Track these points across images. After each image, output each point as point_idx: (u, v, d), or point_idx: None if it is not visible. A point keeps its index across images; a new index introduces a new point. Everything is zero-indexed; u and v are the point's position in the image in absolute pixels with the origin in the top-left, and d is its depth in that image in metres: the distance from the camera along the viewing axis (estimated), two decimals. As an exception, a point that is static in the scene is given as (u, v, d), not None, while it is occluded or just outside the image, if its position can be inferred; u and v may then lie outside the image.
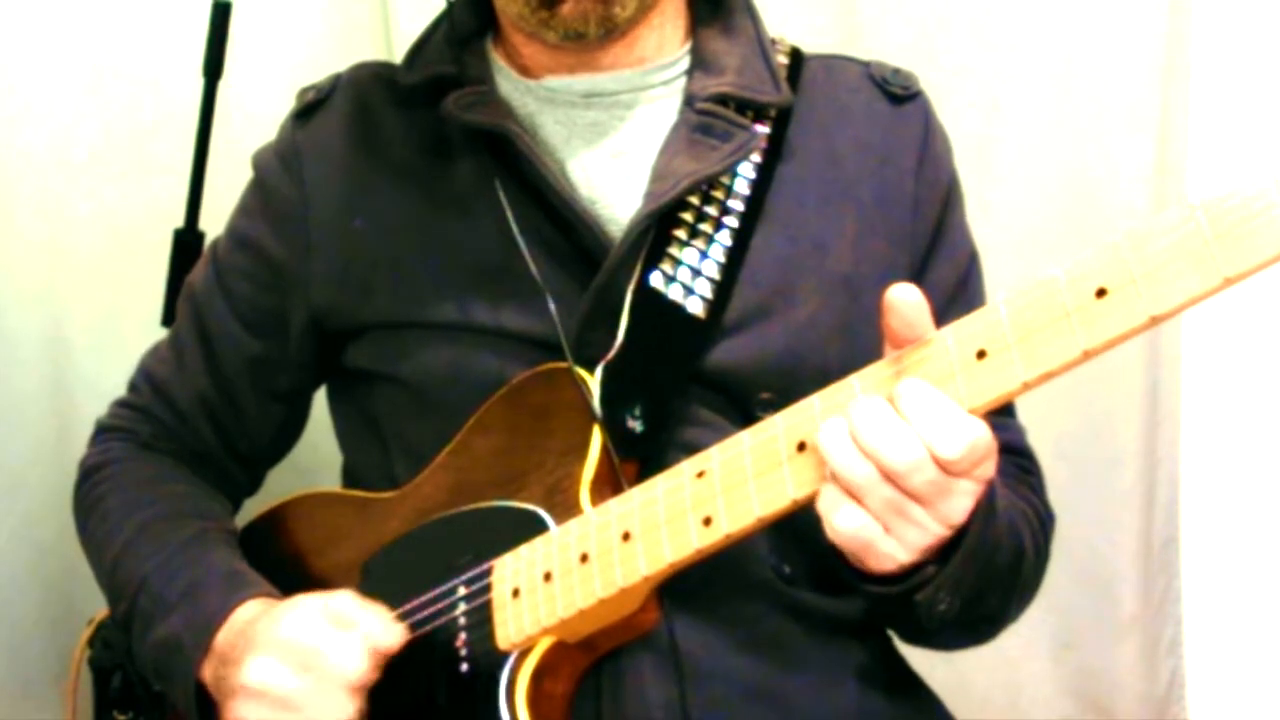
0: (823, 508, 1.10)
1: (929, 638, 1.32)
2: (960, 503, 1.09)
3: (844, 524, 1.09)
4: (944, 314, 1.09)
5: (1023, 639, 1.41)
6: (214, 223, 1.64)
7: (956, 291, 1.44)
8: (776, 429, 1.12)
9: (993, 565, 1.23)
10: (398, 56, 1.64)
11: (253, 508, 1.57)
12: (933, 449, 1.05)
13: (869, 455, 1.06)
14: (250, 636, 1.29)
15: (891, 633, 1.43)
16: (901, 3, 2.06)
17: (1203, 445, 2.09)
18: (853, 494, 1.08)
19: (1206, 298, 0.94)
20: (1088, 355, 0.98)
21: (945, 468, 1.06)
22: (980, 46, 2.05)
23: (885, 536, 1.09)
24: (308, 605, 1.29)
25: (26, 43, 1.97)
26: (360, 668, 1.25)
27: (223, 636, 1.33)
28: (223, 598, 1.36)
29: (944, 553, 1.15)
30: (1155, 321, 0.96)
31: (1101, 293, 0.97)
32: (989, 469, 1.10)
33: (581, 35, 1.35)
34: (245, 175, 1.55)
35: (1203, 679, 2.11)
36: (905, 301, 1.08)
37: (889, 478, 1.06)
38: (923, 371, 1.05)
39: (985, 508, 1.16)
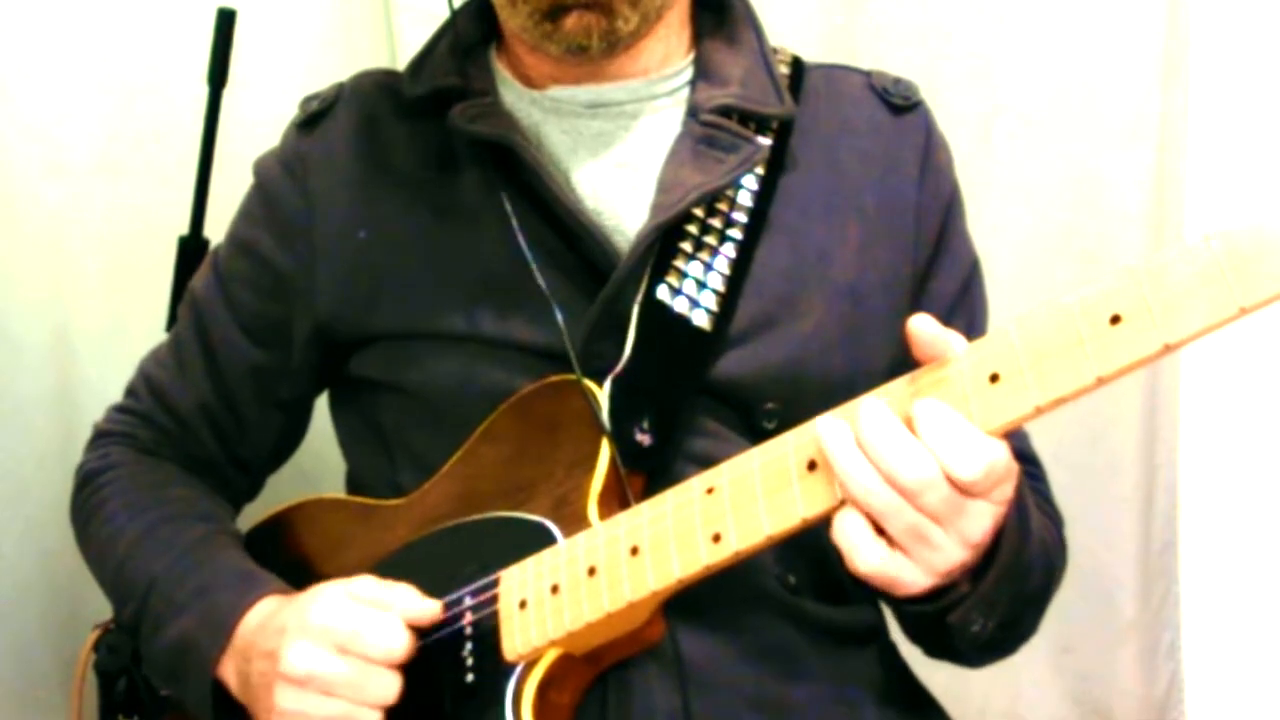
0: (844, 544, 1.10)
1: (958, 655, 1.33)
2: (978, 523, 1.10)
3: (869, 561, 1.10)
4: (946, 323, 1.10)
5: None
6: (218, 230, 1.63)
7: (959, 300, 1.45)
8: (786, 447, 1.13)
9: (1028, 586, 1.25)
10: (401, 64, 1.64)
11: (257, 512, 1.57)
12: (949, 470, 1.05)
13: (880, 470, 1.07)
14: (279, 626, 1.29)
15: (901, 639, 1.42)
16: (901, 12, 2.06)
17: (1201, 451, 2.10)
18: (871, 516, 1.08)
19: (1221, 327, 0.94)
20: (1101, 381, 0.99)
21: (964, 489, 1.06)
22: (980, 55, 2.06)
23: (910, 565, 1.10)
24: (332, 590, 1.30)
25: (31, 49, 1.97)
26: (402, 644, 1.26)
27: (241, 632, 1.33)
28: (237, 595, 1.36)
29: (976, 573, 1.16)
30: (1169, 349, 0.96)
31: (1116, 319, 0.98)
32: (1008, 490, 1.11)
33: (584, 49, 1.35)
34: (249, 182, 1.54)
35: (1201, 683, 2.12)
36: (927, 333, 1.09)
37: (904, 495, 1.07)
38: (936, 394, 1.06)
39: (1018, 530, 1.18)
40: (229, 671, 1.35)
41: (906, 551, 1.10)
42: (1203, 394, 2.09)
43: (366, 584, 1.30)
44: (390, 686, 1.25)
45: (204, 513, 1.49)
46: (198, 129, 1.84)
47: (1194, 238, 0.95)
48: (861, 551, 1.09)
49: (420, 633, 1.31)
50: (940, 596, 1.17)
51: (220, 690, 1.36)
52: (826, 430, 1.10)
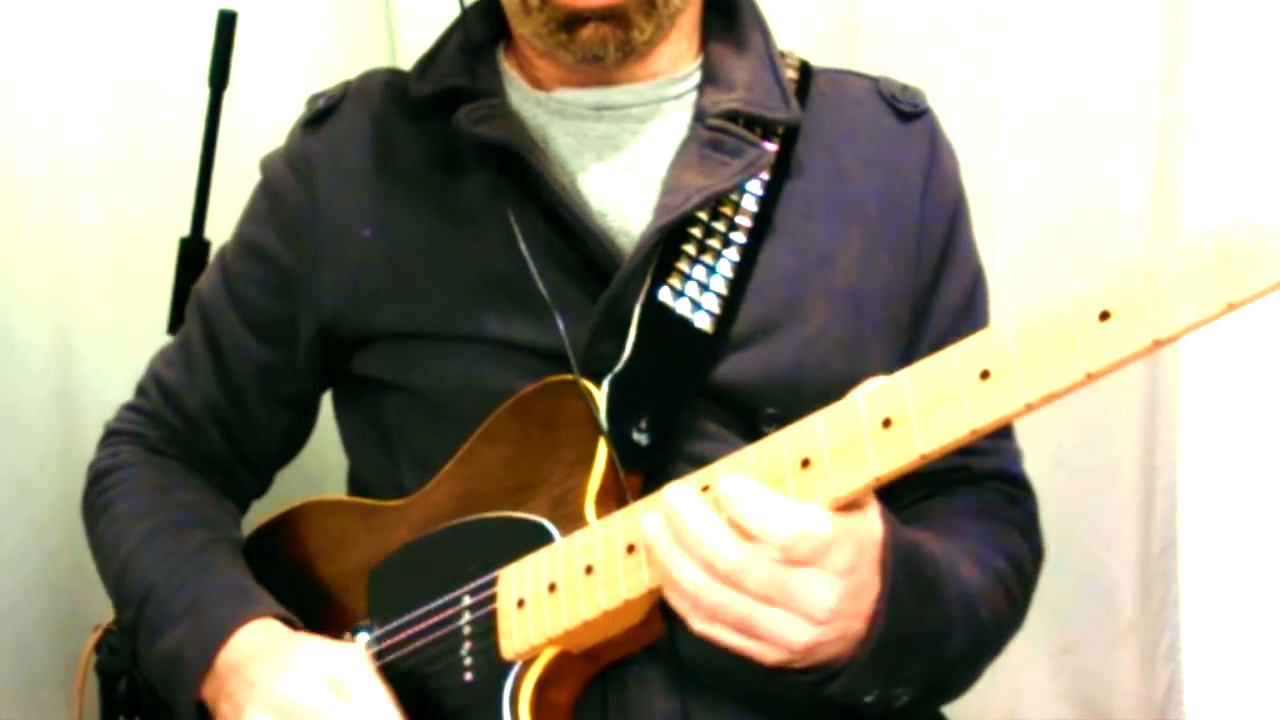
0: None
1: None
2: (816, 597, 1.09)
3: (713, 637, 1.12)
4: (950, 333, 1.11)
5: (1022, 644, 1.42)
6: (219, 231, 1.64)
7: (963, 310, 1.45)
8: (780, 445, 1.13)
9: (945, 651, 1.23)
10: (401, 65, 1.65)
11: (258, 514, 1.58)
12: (768, 539, 1.06)
13: (698, 560, 1.09)
14: (251, 680, 1.29)
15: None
16: (901, 14, 2.07)
17: (1200, 452, 2.10)
18: (691, 601, 1.11)
19: (1209, 322, 0.94)
20: (1091, 377, 0.99)
21: (785, 555, 1.07)
22: (980, 57, 2.06)
23: (756, 645, 1.11)
24: (312, 666, 1.29)
25: (32, 51, 1.98)
26: None
27: (224, 659, 1.34)
28: (227, 613, 1.37)
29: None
30: (1159, 345, 0.96)
31: (1105, 315, 0.98)
32: (844, 557, 1.09)
33: (600, 58, 1.36)
34: (250, 184, 1.55)
35: (1201, 684, 2.12)
36: None
37: (726, 582, 1.08)
38: (928, 391, 1.06)
39: (913, 597, 1.16)
40: (207, 693, 1.36)
41: (749, 637, 1.11)
42: (1203, 395, 2.09)
43: (347, 666, 1.29)
44: None
45: (206, 518, 1.50)
46: (199, 130, 1.84)
47: (1183, 233, 0.95)
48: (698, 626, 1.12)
49: (419, 632, 1.33)
50: (813, 670, 1.16)
51: (204, 708, 1.37)
52: (649, 526, 1.12)
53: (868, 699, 1.19)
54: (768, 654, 1.12)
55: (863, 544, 1.11)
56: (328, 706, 1.25)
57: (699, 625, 1.11)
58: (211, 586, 1.40)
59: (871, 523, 1.12)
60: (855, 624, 1.13)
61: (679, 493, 1.10)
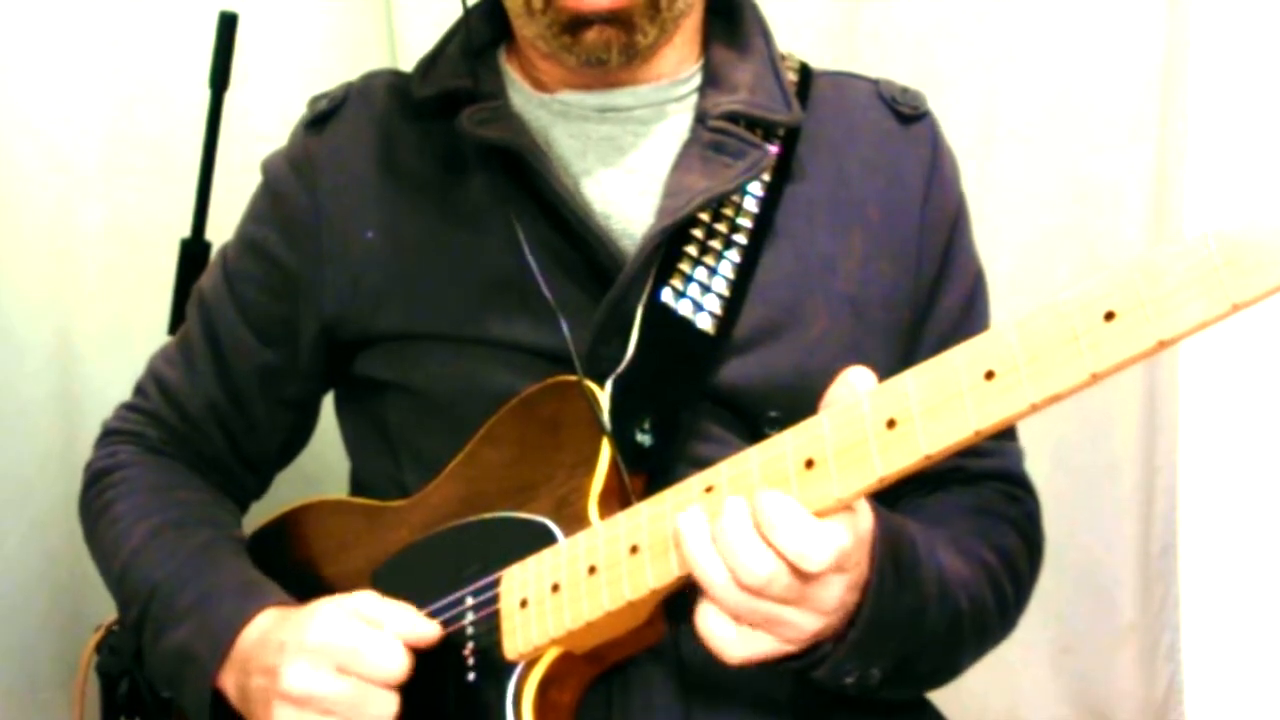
0: (713, 643, 1.14)
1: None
2: (828, 592, 1.13)
3: (736, 654, 1.14)
4: (951, 336, 1.10)
5: (1022, 645, 1.42)
6: (220, 233, 1.64)
7: (964, 313, 1.45)
8: (785, 446, 1.13)
9: (920, 631, 1.24)
10: (402, 67, 1.65)
11: (258, 515, 1.57)
12: (798, 565, 1.09)
13: (729, 567, 1.10)
14: (279, 642, 1.29)
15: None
16: (900, 15, 2.07)
17: (1200, 453, 2.10)
18: (717, 602, 1.13)
19: (1214, 323, 0.94)
20: (1096, 378, 0.99)
21: (813, 578, 1.10)
22: (979, 58, 2.07)
23: (771, 640, 1.14)
24: (332, 607, 1.29)
25: (33, 53, 1.98)
26: (400, 664, 1.25)
27: (241, 645, 1.33)
28: (236, 607, 1.36)
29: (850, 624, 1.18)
30: (1163, 345, 0.96)
31: (1110, 316, 0.98)
32: (850, 559, 1.13)
33: (604, 61, 1.36)
34: (251, 186, 1.55)
35: (1200, 684, 2.12)
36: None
37: (752, 592, 1.10)
38: (932, 392, 1.06)
39: (895, 580, 1.19)
40: (228, 683, 1.35)
41: (768, 631, 1.14)
42: (1202, 396, 2.09)
43: (367, 601, 1.30)
44: (388, 706, 1.25)
45: (209, 517, 1.49)
46: (199, 132, 1.84)
47: (1188, 234, 0.95)
48: (730, 648, 1.14)
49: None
50: (802, 656, 1.18)
51: (219, 699, 1.36)
52: (686, 524, 1.14)
53: (848, 680, 1.21)
54: (779, 649, 1.14)
55: (861, 538, 1.14)
56: (362, 636, 1.26)
57: (733, 646, 1.14)
58: (218, 583, 1.40)
59: (864, 514, 1.15)
60: (850, 606, 1.16)
61: (732, 502, 1.12)
